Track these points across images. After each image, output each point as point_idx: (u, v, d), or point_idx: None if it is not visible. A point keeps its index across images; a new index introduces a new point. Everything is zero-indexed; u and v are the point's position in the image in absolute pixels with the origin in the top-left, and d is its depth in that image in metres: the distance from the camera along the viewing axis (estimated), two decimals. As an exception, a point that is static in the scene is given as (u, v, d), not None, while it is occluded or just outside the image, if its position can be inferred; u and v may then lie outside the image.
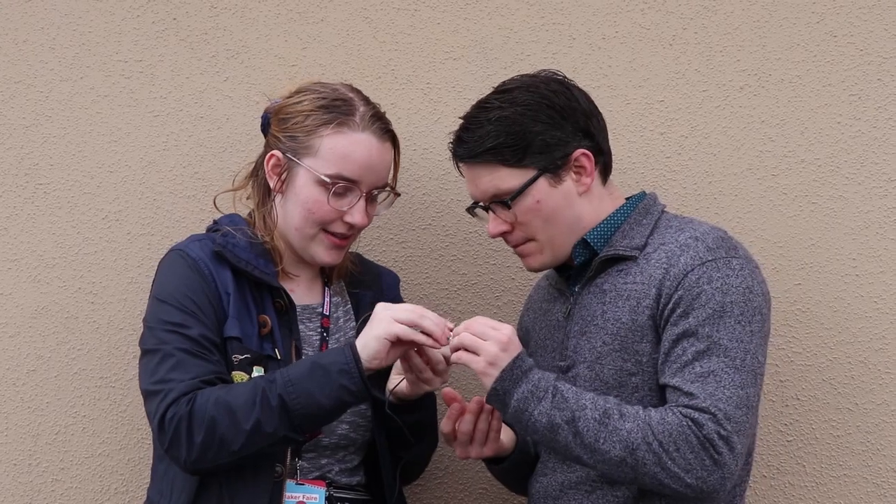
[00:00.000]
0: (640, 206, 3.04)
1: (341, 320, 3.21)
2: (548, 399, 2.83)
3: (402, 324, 2.90)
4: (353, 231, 3.11)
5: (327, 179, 3.05)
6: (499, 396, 2.87)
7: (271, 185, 3.11)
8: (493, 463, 3.12)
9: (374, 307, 2.99)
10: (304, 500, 3.05)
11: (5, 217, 3.54)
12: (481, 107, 2.98)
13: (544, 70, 3.03)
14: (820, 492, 3.44)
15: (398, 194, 3.18)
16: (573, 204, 2.99)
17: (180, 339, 2.96)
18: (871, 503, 3.42)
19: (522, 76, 3.02)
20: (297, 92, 3.13)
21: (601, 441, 2.81)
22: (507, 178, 2.97)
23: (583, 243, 3.02)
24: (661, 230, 2.99)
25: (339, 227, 3.09)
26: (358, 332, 3.04)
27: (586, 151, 2.98)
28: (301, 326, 3.14)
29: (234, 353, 2.99)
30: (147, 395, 2.99)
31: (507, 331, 2.87)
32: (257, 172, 3.17)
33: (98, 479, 3.52)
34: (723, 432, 2.78)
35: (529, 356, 2.95)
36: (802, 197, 3.44)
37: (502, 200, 2.97)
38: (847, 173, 3.43)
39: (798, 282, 3.43)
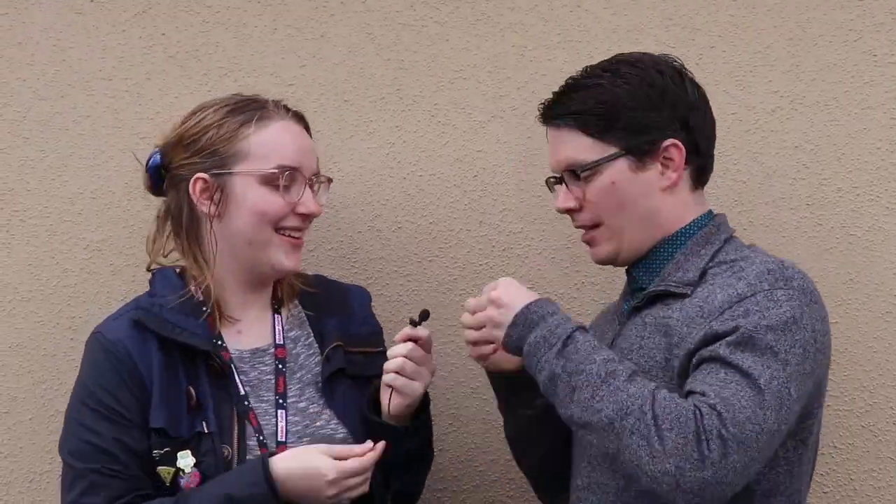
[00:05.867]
0: (700, 233, 2.87)
1: (302, 356, 3.06)
2: (557, 347, 2.70)
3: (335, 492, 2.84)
4: (306, 224, 3.03)
5: (274, 171, 2.96)
6: (513, 343, 2.78)
7: (205, 210, 3.01)
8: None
9: (341, 334, 3.01)
10: None
11: (-23, 247, 3.45)
12: (584, 73, 2.89)
13: (666, 55, 2.90)
14: (860, 548, 3.35)
15: (330, 180, 3.10)
16: (652, 196, 2.85)
17: (92, 454, 2.89)
18: (914, 560, 3.33)
19: (640, 53, 2.91)
20: (191, 115, 3.06)
21: (597, 399, 2.65)
22: (585, 150, 2.84)
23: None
24: (717, 263, 2.82)
25: (292, 222, 3.01)
26: (324, 368, 3.00)
27: (678, 143, 2.83)
28: (254, 373, 3.01)
29: (154, 450, 2.89)
30: None
31: (496, 289, 2.81)
32: (167, 219, 3.08)
33: (74, 530, 3.35)
34: (724, 433, 2.58)
35: None
36: (839, 228, 3.35)
37: (574, 171, 2.84)
38: (887, 203, 3.35)
39: (835, 320, 3.25)
